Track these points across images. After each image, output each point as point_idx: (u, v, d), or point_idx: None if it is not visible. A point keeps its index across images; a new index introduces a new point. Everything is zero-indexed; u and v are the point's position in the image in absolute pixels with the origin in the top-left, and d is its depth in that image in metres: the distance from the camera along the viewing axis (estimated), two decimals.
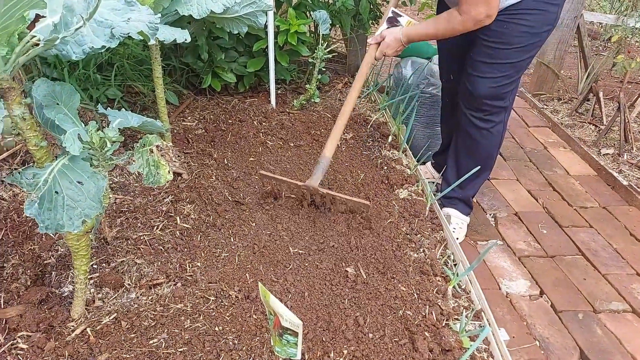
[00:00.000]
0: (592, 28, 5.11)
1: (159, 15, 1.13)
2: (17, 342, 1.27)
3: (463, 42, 1.79)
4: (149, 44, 1.53)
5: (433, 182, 2.34)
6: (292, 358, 1.03)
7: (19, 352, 1.24)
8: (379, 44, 1.90)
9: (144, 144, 1.17)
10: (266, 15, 1.98)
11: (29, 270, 1.51)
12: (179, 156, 2.18)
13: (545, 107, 3.46)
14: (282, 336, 0.98)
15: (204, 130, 2.46)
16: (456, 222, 2.05)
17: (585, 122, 3.19)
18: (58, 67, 2.29)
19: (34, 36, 0.94)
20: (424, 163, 2.51)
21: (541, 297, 1.83)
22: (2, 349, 1.24)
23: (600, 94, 3.12)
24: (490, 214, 2.30)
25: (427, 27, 1.76)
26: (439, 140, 2.43)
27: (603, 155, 2.82)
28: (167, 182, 1.18)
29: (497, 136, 1.88)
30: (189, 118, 2.60)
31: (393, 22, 1.94)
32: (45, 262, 1.56)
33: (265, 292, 0.96)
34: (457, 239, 1.99)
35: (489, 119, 1.82)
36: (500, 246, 2.07)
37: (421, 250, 1.71)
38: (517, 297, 1.81)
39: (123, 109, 1.41)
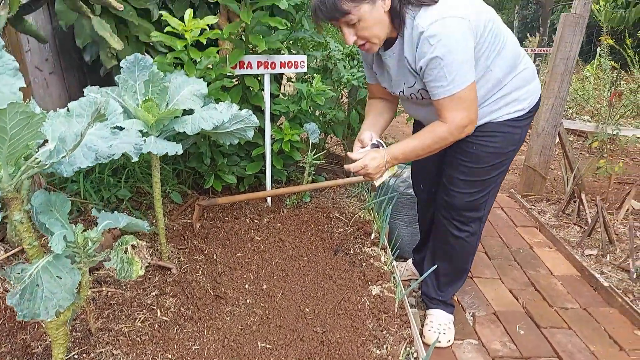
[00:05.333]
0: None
1: (144, 139, 1.39)
2: None
3: (438, 162, 1.97)
4: (132, 161, 1.79)
5: (414, 279, 2.44)
6: None
7: None
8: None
9: (121, 244, 1.37)
10: (254, 130, 2.28)
11: (16, 359, 1.64)
12: (172, 252, 2.37)
13: (533, 207, 3.59)
14: None
15: (200, 227, 2.67)
16: (445, 325, 2.09)
17: (571, 223, 3.29)
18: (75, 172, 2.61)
19: (37, 159, 1.20)
20: (405, 260, 2.62)
21: None
22: None
23: (583, 196, 3.25)
24: (469, 312, 2.34)
25: (412, 143, 1.70)
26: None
27: (587, 256, 2.88)
28: (138, 276, 1.35)
29: (473, 245, 2.01)
30: (190, 216, 2.83)
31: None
32: (33, 351, 1.69)
33: None
34: (440, 342, 2.03)
35: (465, 229, 1.95)
36: (475, 346, 2.10)
37: (384, 347, 1.77)
38: None
39: (116, 212, 1.64)
